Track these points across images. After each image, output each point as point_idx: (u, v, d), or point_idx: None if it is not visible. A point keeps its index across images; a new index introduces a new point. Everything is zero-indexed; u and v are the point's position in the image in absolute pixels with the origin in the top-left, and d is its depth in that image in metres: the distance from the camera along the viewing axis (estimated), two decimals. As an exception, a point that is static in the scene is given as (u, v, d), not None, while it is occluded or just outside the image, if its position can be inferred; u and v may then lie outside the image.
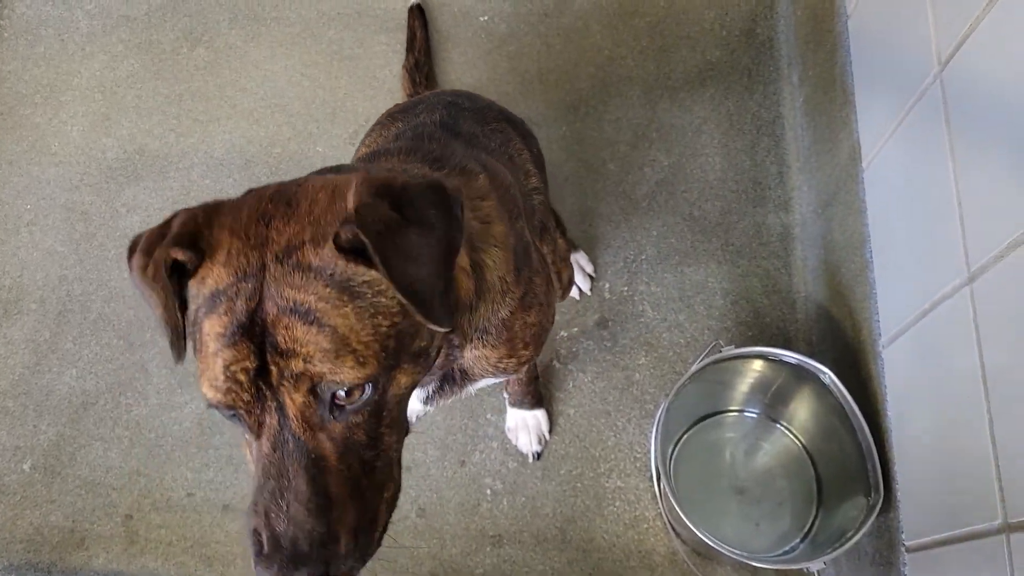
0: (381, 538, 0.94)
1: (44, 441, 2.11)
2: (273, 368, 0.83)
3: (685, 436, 1.94)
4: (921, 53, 1.50)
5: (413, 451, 2.01)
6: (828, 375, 1.67)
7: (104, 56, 2.54)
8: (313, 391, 0.84)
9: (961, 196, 1.34)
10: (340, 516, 0.86)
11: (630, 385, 2.05)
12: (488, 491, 1.97)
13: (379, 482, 0.91)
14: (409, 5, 2.46)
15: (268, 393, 0.84)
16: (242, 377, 0.83)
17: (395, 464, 0.95)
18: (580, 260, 2.12)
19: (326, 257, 0.84)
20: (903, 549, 1.53)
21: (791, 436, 1.90)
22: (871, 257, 1.72)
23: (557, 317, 2.11)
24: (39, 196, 2.37)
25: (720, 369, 1.81)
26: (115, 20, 2.59)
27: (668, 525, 1.89)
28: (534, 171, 1.63)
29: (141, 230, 2.47)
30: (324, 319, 0.82)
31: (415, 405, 1.28)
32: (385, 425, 0.91)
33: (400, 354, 0.89)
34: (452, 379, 1.26)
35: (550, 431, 2.01)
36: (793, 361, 1.72)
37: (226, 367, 0.83)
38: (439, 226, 0.86)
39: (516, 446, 2.00)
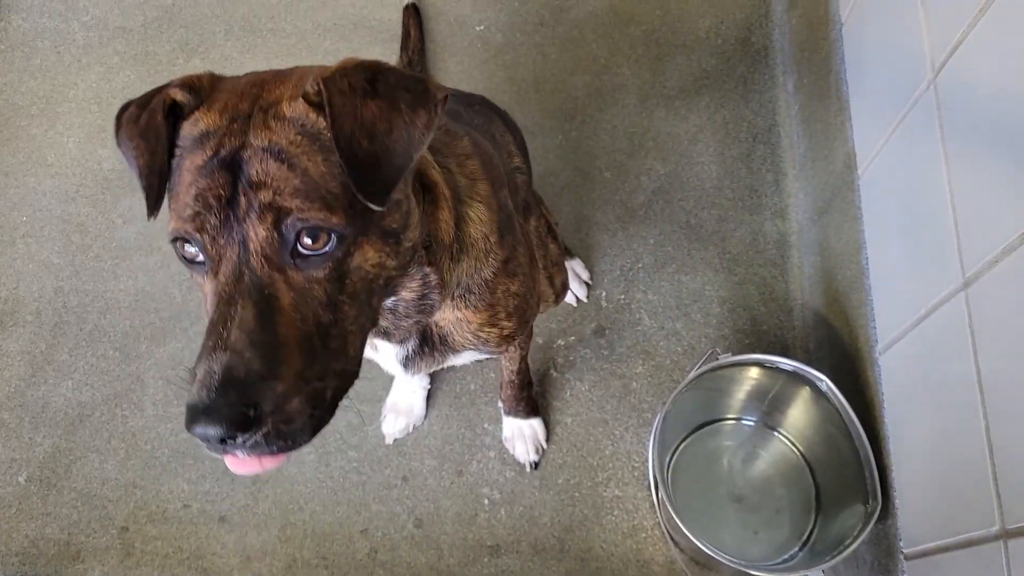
0: (329, 413, 0.90)
1: (40, 453, 2.10)
2: (243, 199, 0.84)
3: (683, 444, 1.93)
4: (915, 60, 1.51)
5: (410, 460, 2.01)
6: (825, 382, 1.67)
7: (100, 68, 2.55)
8: (278, 227, 0.84)
9: (955, 202, 1.34)
10: (286, 359, 0.83)
11: (628, 394, 2.04)
12: (486, 501, 1.97)
13: (332, 349, 0.89)
14: (404, 4, 2.46)
15: (234, 225, 0.85)
16: (212, 201, 0.85)
17: (352, 341, 0.92)
18: (576, 268, 2.11)
19: (298, 109, 0.87)
20: (901, 556, 1.53)
21: (789, 444, 1.90)
22: (867, 264, 1.72)
23: (553, 325, 2.11)
24: (35, 208, 2.37)
25: (717, 377, 1.81)
26: (111, 32, 2.59)
27: (666, 534, 1.88)
28: (517, 153, 1.64)
29: (137, 241, 2.44)
30: (296, 161, 0.85)
31: (394, 366, 1.27)
32: (347, 294, 0.90)
33: (368, 221, 0.90)
34: (431, 342, 1.25)
35: (547, 440, 2.00)
36: (789, 368, 1.72)
37: (198, 193, 0.85)
38: (406, 112, 0.87)
39: (513, 455, 1.99)
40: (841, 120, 1.88)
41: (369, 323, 0.96)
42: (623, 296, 2.14)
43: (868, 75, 1.79)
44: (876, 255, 1.69)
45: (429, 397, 2.05)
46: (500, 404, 1.97)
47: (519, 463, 1.99)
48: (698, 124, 2.33)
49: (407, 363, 1.26)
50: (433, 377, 2.04)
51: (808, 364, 1.71)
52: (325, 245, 0.86)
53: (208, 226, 0.85)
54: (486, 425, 2.03)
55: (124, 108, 0.97)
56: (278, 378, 0.82)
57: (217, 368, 0.80)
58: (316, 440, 0.92)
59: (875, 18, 1.76)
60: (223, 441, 0.80)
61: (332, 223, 0.85)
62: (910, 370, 1.52)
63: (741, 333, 2.08)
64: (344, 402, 0.93)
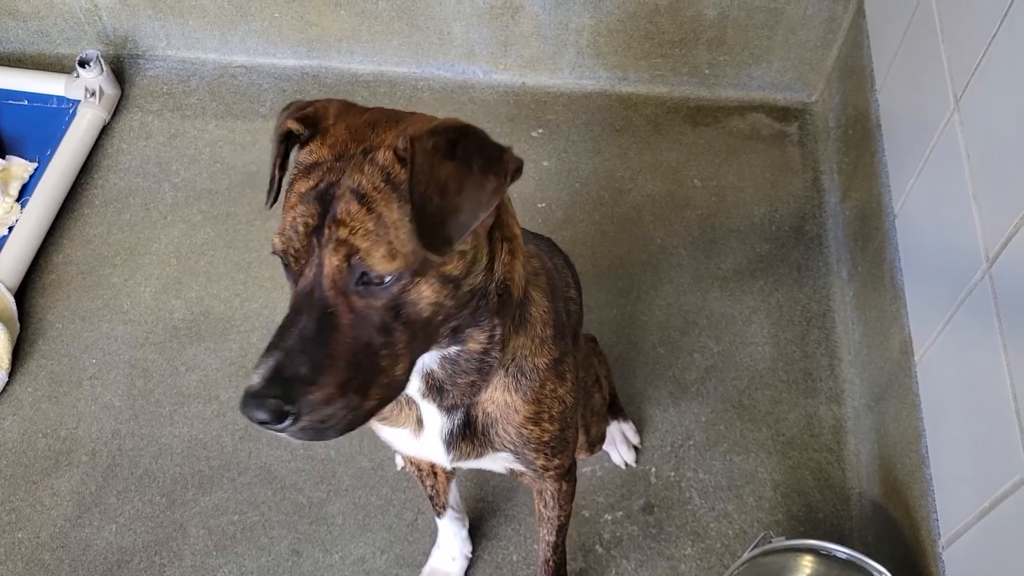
0: (364, 419, 1.01)
1: (73, 598, 2.07)
2: (326, 230, 0.97)
3: (733, 636, 1.83)
4: (969, 250, 1.53)
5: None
6: (884, 574, 1.59)
7: (184, 225, 2.71)
8: (347, 260, 0.96)
9: (1016, 391, 1.32)
10: (330, 370, 0.96)
11: (675, 576, 1.96)
12: None
13: (381, 367, 1.00)
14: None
15: (316, 249, 0.98)
16: (301, 229, 0.99)
17: (402, 362, 1.03)
18: (626, 431, 2.10)
19: (388, 159, 0.99)
20: None
21: (847, 643, 1.78)
22: (927, 452, 1.68)
23: (600, 498, 2.06)
24: (105, 352, 2.46)
25: (769, 563, 1.73)
26: (198, 193, 2.77)
27: None
28: (573, 287, 1.69)
29: (197, 389, 2.49)
30: (374, 205, 0.97)
31: (437, 446, 1.31)
32: (401, 322, 1.00)
33: (427, 265, 1.00)
34: (474, 427, 1.29)
35: (589, 621, 1.91)
36: (844, 556, 1.64)
37: (294, 218, 0.99)
38: (477, 175, 0.97)
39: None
40: (896, 307, 1.89)
41: (421, 348, 1.07)
42: (673, 473, 2.10)
43: (922, 264, 1.81)
44: (936, 444, 1.65)
45: (469, 568, 1.99)
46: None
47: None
48: (752, 306, 2.36)
49: (450, 443, 1.30)
50: (474, 545, 1.99)
51: (868, 557, 1.64)
52: (384, 280, 0.98)
53: (293, 249, 1.00)
54: (526, 600, 1.96)
55: (286, 107, 1.12)
56: (319, 386, 0.95)
57: (271, 363, 0.94)
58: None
59: (927, 210, 1.81)
60: (264, 424, 0.94)
61: (389, 269, 0.97)
62: (976, 567, 1.45)
63: (796, 520, 2.01)
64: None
